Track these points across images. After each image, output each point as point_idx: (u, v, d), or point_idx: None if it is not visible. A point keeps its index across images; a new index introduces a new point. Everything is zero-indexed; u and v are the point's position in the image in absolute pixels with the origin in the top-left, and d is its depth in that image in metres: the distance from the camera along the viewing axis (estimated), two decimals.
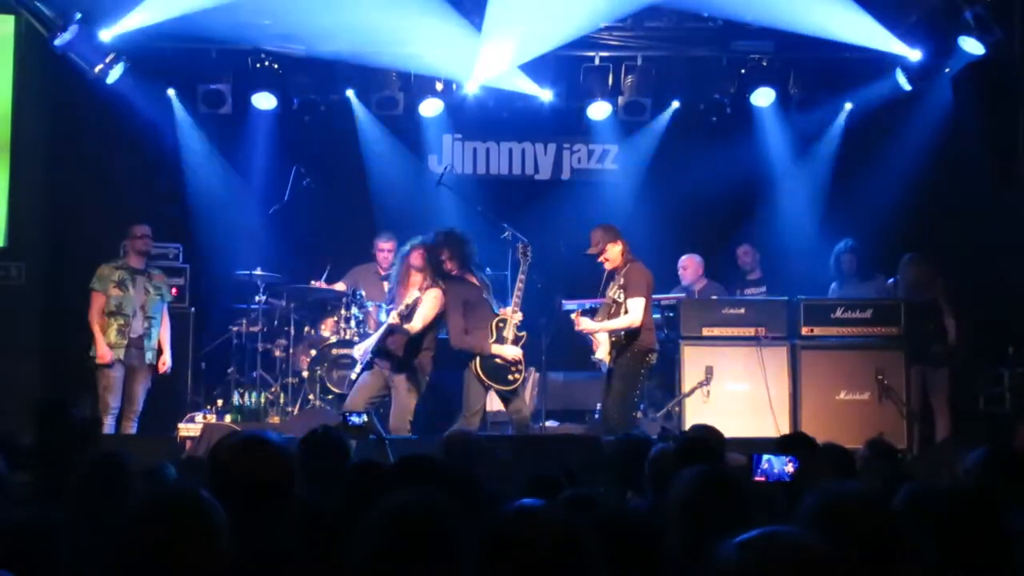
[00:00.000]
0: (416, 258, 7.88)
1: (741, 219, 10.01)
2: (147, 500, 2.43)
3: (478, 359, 7.67)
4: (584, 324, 7.67)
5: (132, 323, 8.28)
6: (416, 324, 7.72)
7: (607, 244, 7.62)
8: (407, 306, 7.69)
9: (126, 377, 8.29)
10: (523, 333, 7.79)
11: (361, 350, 8.10)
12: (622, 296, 7.54)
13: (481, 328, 7.73)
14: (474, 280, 7.85)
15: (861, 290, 8.91)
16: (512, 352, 7.66)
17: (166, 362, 8.45)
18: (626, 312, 7.50)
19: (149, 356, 8.35)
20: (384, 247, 9.22)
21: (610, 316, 7.60)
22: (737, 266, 9.69)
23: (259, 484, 2.74)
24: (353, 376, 8.20)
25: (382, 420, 7.35)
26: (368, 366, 7.97)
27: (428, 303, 7.77)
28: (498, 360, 7.66)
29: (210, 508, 2.39)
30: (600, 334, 7.67)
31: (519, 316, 7.75)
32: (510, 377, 7.68)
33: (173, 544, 2.32)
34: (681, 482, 2.91)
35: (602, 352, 7.68)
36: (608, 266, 7.72)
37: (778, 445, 4.59)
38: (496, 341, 7.69)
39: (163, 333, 8.47)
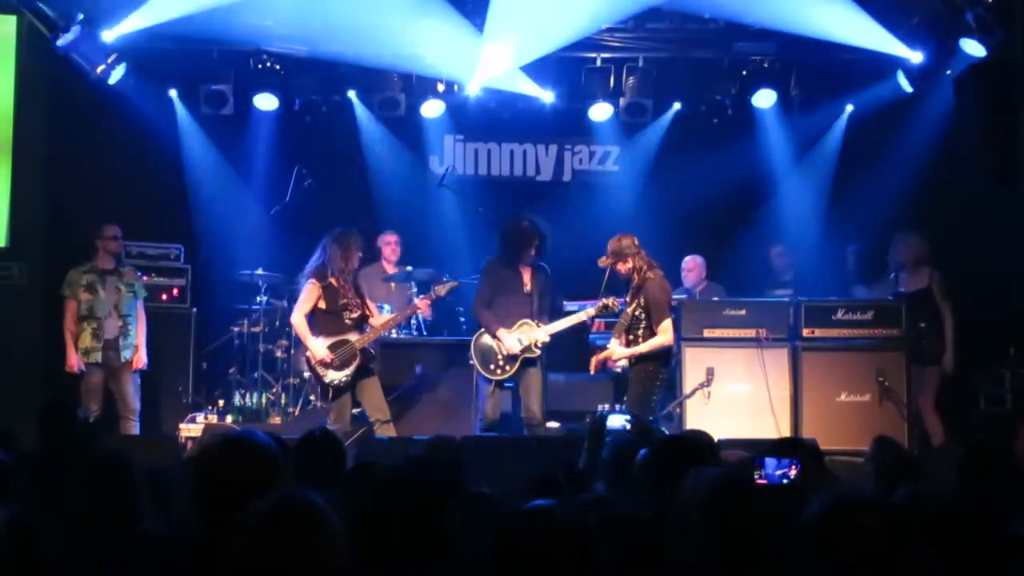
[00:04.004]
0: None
1: (742, 221, 10.00)
2: (263, 510, 2.27)
3: (477, 334, 7.84)
4: (619, 354, 7.62)
5: (105, 325, 8.26)
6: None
7: (616, 262, 7.59)
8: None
9: (109, 379, 8.28)
10: (535, 352, 7.76)
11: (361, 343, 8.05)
12: (643, 315, 7.52)
13: (500, 315, 7.78)
14: (525, 277, 7.86)
15: (875, 291, 8.87)
16: (509, 346, 7.67)
17: (141, 359, 8.38)
18: (655, 334, 7.48)
19: (127, 355, 8.32)
20: (391, 240, 9.27)
21: (628, 331, 7.56)
22: (770, 266, 9.63)
23: (242, 483, 2.70)
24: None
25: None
26: (339, 390, 7.80)
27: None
28: (493, 347, 7.71)
29: (328, 519, 2.28)
30: (615, 340, 7.67)
31: (542, 338, 7.74)
32: (492, 366, 7.73)
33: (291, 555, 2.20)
34: None
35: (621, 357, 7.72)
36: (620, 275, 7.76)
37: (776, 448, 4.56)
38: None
39: (139, 330, 8.42)
